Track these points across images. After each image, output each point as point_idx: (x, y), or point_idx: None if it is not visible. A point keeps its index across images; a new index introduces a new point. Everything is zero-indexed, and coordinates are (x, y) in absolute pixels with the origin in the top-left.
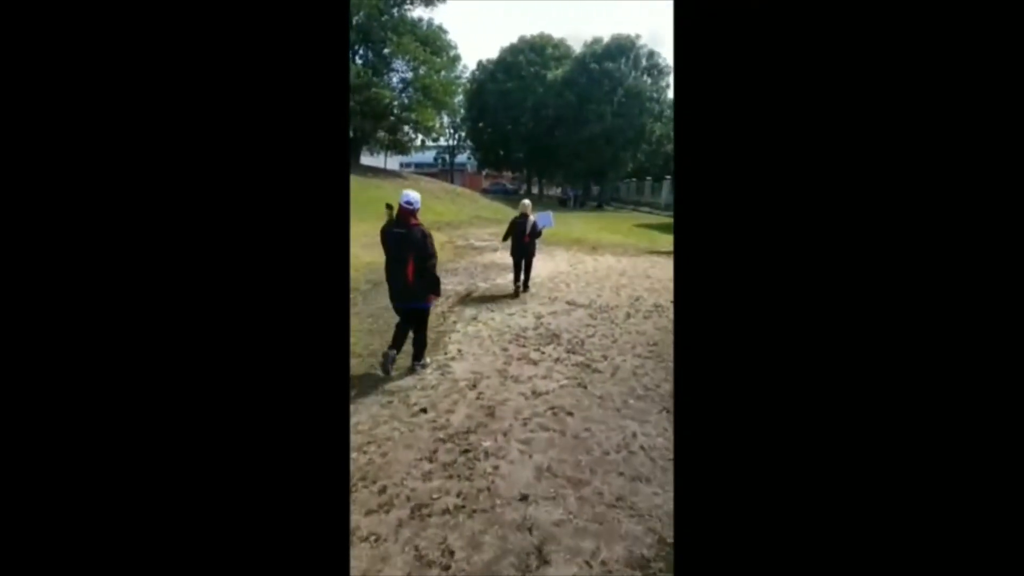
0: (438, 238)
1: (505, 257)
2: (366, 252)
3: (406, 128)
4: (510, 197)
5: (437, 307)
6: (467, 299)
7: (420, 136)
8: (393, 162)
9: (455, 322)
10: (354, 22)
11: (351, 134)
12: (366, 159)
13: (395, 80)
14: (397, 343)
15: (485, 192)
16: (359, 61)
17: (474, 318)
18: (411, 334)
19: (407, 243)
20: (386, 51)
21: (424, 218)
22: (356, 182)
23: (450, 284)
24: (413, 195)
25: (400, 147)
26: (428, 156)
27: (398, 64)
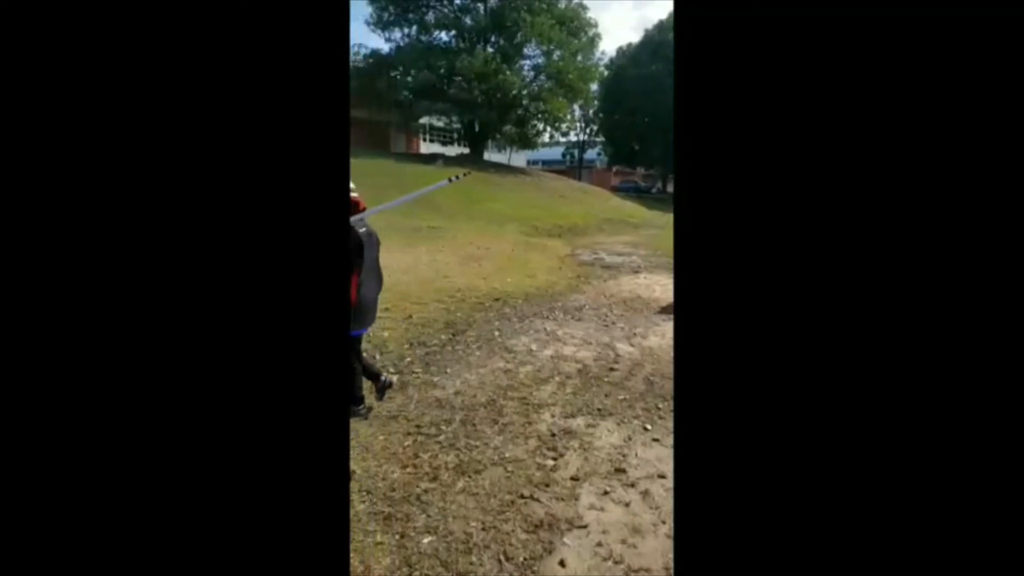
0: (556, 248)
1: (654, 285)
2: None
3: (534, 121)
4: (643, 196)
5: (518, 449)
6: (594, 392)
7: (548, 129)
8: (520, 158)
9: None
10: (487, 7)
11: (475, 128)
12: (493, 155)
13: (527, 67)
14: (375, 374)
15: (615, 190)
16: (489, 49)
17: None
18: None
19: (376, 243)
20: (519, 35)
21: (545, 221)
22: (479, 179)
23: (570, 344)
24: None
25: (526, 141)
26: (556, 153)
27: (529, 50)
